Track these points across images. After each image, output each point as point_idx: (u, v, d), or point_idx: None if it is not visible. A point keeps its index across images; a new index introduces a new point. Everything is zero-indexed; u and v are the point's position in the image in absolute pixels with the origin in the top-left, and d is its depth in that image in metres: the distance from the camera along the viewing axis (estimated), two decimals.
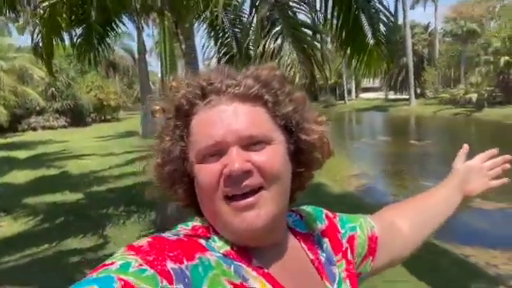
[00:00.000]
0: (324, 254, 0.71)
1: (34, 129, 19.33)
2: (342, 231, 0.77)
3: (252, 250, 0.62)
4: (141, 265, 0.50)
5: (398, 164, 11.54)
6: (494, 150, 0.96)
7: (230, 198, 0.59)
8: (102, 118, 24.41)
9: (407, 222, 0.86)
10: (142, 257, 0.52)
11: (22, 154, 11.86)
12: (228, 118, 0.61)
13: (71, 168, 9.75)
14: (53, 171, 9.45)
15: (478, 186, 0.93)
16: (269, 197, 0.60)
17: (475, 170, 0.94)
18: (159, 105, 0.68)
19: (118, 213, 6.00)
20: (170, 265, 0.52)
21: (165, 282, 0.50)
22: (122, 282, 0.47)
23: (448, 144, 14.57)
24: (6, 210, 6.25)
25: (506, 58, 24.57)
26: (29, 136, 17.09)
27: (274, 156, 0.61)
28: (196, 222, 0.65)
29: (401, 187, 9.17)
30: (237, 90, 0.62)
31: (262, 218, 0.59)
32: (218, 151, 0.60)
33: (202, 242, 0.61)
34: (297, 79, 4.02)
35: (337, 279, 0.70)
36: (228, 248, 0.61)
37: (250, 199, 0.59)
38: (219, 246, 0.61)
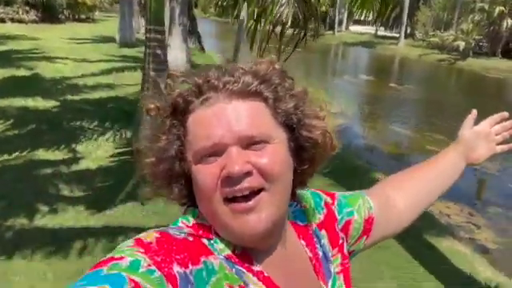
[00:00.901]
0: (321, 249, 0.72)
1: (3, 20, 17.91)
2: (339, 217, 0.77)
3: (253, 252, 0.62)
4: (149, 265, 0.50)
5: (374, 106, 11.72)
6: (505, 113, 0.94)
7: (229, 200, 0.58)
8: (76, 16, 22.76)
9: (404, 198, 0.87)
10: (150, 256, 0.52)
11: None
12: (226, 117, 0.59)
13: (43, 71, 9.29)
14: (23, 72, 8.99)
15: (484, 153, 0.92)
16: (269, 199, 0.59)
17: (482, 136, 0.93)
18: (154, 103, 0.65)
19: (92, 127, 5.91)
20: (176, 268, 0.53)
21: (170, 286, 0.50)
22: (133, 284, 0.47)
23: (427, 91, 14.77)
24: None
25: (501, 8, 24.10)
26: None
27: (275, 156, 0.59)
28: (197, 220, 0.64)
29: (373, 130, 9.43)
30: (235, 87, 0.60)
31: (262, 221, 0.58)
32: (216, 152, 0.59)
33: (205, 242, 0.61)
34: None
35: (332, 276, 0.71)
36: (229, 251, 0.61)
37: (251, 202, 0.58)
38: (221, 248, 0.61)
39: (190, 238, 0.59)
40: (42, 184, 4.13)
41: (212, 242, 0.61)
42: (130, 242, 0.55)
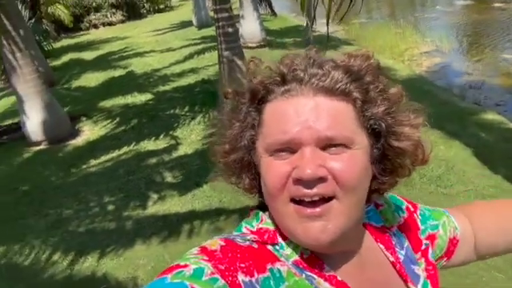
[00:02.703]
0: (403, 252, 0.65)
1: (96, 26, 19.74)
2: (422, 227, 0.70)
3: (323, 256, 0.58)
4: (213, 273, 0.49)
5: (477, 35, 10.21)
6: None
7: (296, 202, 0.54)
8: (156, 7, 23.99)
9: (485, 232, 0.76)
10: (214, 264, 0.51)
11: (89, 55, 12.37)
12: (306, 114, 0.54)
13: (135, 67, 10.06)
14: (119, 71, 9.85)
15: None
16: (340, 209, 0.54)
17: None
18: (232, 87, 0.63)
19: (184, 113, 6.26)
20: (241, 277, 0.51)
21: None
22: None
23: None
24: (86, 114, 6.82)
25: None
26: (93, 35, 17.59)
27: (354, 164, 0.54)
28: (261, 224, 0.61)
29: (479, 63, 8.26)
30: (322, 82, 0.55)
31: (328, 232, 0.53)
32: (290, 148, 0.55)
33: (271, 248, 0.58)
34: None
35: (421, 281, 0.64)
36: (297, 257, 0.58)
37: (318, 209, 0.53)
38: (288, 254, 0.58)
39: (255, 245, 0.57)
40: (149, 173, 4.56)
41: (278, 247, 0.58)
42: (195, 249, 0.55)
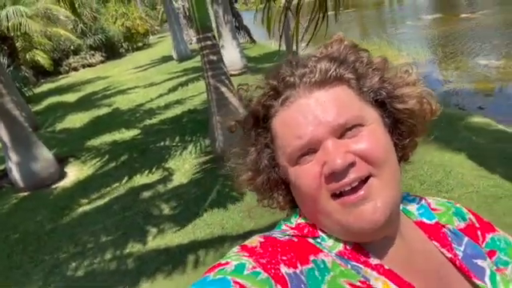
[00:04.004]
0: (461, 248, 0.62)
1: (75, 69, 19.76)
2: (485, 248, 0.65)
3: (367, 246, 0.57)
4: (254, 267, 0.49)
5: (450, 44, 10.61)
6: None
7: (337, 195, 0.54)
8: (134, 46, 24.25)
9: None
10: (255, 259, 0.50)
11: (71, 97, 12.30)
12: (312, 112, 0.55)
13: (120, 104, 10.03)
14: (104, 110, 9.79)
15: None
16: (381, 184, 0.54)
17: None
18: (233, 119, 0.64)
19: (175, 144, 6.21)
20: (284, 269, 0.50)
21: (279, 287, 0.48)
22: (238, 286, 0.46)
23: (507, 11, 12.98)
24: (73, 155, 6.69)
25: None
26: (73, 77, 17.58)
27: (374, 138, 0.55)
28: (299, 219, 0.61)
29: (457, 71, 8.54)
30: (312, 78, 0.56)
31: (380, 209, 0.53)
32: (311, 149, 0.55)
33: (312, 241, 0.57)
34: None
35: (487, 273, 0.60)
36: (340, 247, 0.57)
37: (362, 192, 0.53)
38: (330, 245, 0.57)
39: (295, 239, 0.57)
40: (146, 207, 4.44)
41: (319, 240, 0.58)
42: (236, 248, 0.55)
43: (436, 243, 0.62)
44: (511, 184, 3.56)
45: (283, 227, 0.61)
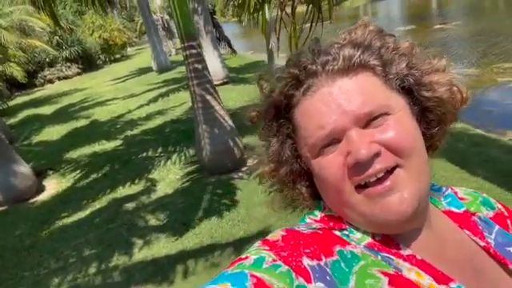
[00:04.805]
0: (492, 236, 0.61)
1: (51, 81, 19.32)
2: None
3: (396, 237, 0.55)
4: (274, 260, 0.47)
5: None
6: None
7: (362, 186, 0.52)
8: (112, 58, 23.95)
9: None
10: (275, 252, 0.49)
11: (47, 110, 11.99)
12: (335, 101, 0.53)
13: (98, 116, 9.84)
14: (82, 122, 9.58)
15: None
16: (408, 175, 0.52)
17: None
18: (255, 110, 0.62)
19: (158, 154, 6.12)
20: (306, 261, 0.48)
21: (301, 279, 0.45)
22: (255, 279, 0.44)
23: (478, 22, 13.55)
24: (52, 167, 6.49)
25: None
26: (49, 89, 17.17)
27: (401, 127, 0.52)
28: (324, 212, 0.60)
29: None
30: (335, 65, 0.54)
31: (407, 201, 0.51)
32: (334, 139, 0.53)
33: (338, 233, 0.55)
34: None
35: None
36: (369, 239, 0.55)
37: (388, 182, 0.51)
38: (359, 238, 0.55)
39: (320, 232, 0.55)
40: (130, 219, 4.33)
41: (346, 232, 0.56)
42: (257, 243, 0.53)
43: (468, 232, 0.60)
44: (491, 185, 3.66)
45: (307, 220, 0.60)
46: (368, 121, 0.52)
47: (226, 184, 4.64)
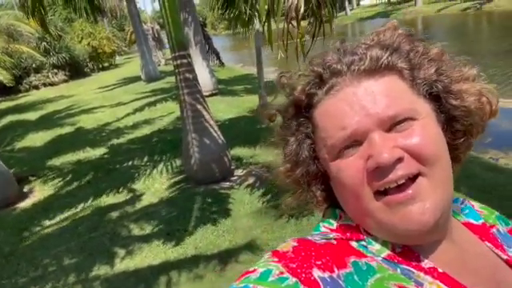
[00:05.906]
0: (511, 250, 0.60)
1: (36, 87, 19.04)
2: None
3: (417, 249, 0.53)
4: (282, 273, 0.45)
5: None
6: None
7: (381, 193, 0.50)
8: (100, 66, 23.80)
9: None
10: (284, 264, 0.47)
11: (32, 116, 11.78)
12: (359, 102, 0.51)
13: (84, 123, 9.71)
14: (67, 129, 9.44)
15: None
16: (431, 185, 0.49)
17: None
18: (274, 108, 0.60)
19: (144, 163, 6.05)
20: (316, 273, 0.46)
21: None
22: None
23: (461, 43, 13.97)
24: (34, 174, 6.35)
25: None
26: (34, 95, 16.90)
27: (426, 134, 0.50)
28: (341, 221, 0.57)
29: None
30: (362, 66, 0.52)
31: (429, 211, 0.49)
32: (355, 142, 0.51)
33: (355, 244, 0.53)
34: None
35: None
36: (388, 251, 0.52)
37: (410, 191, 0.49)
38: (377, 249, 0.53)
39: (334, 242, 0.52)
40: (113, 228, 4.25)
41: (364, 243, 0.53)
42: (267, 254, 0.51)
43: (489, 244, 0.59)
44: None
45: (322, 229, 0.57)
46: (392, 124, 0.50)
47: (213, 194, 4.61)
